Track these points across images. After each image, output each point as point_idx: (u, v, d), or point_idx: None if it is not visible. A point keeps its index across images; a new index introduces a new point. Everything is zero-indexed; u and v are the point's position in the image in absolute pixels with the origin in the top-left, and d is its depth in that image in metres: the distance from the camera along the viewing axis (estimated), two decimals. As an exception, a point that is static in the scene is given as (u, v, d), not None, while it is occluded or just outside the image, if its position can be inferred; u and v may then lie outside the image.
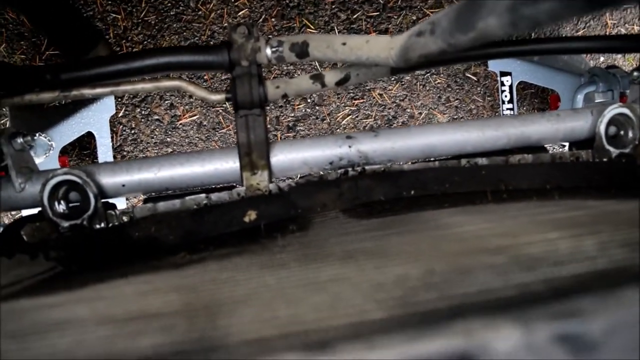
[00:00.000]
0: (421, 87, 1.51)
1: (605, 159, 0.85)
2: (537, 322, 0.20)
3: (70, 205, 0.77)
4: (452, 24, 0.43)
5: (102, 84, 0.78)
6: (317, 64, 1.41)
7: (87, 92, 0.76)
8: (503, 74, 1.42)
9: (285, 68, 1.45)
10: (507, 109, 1.42)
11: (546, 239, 0.38)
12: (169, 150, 1.46)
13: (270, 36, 0.78)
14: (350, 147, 0.81)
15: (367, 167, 0.79)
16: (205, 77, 1.44)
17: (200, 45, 0.93)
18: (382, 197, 0.73)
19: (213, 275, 0.41)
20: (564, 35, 1.54)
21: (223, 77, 1.44)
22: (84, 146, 1.42)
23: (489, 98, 1.56)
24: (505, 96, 1.43)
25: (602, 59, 1.55)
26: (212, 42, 1.42)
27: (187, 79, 0.80)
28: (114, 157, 1.40)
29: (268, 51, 0.77)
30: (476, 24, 0.38)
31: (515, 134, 0.86)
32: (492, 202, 0.62)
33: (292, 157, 0.80)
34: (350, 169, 0.80)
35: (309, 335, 0.21)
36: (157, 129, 1.45)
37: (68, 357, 0.24)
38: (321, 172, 0.80)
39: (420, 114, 1.51)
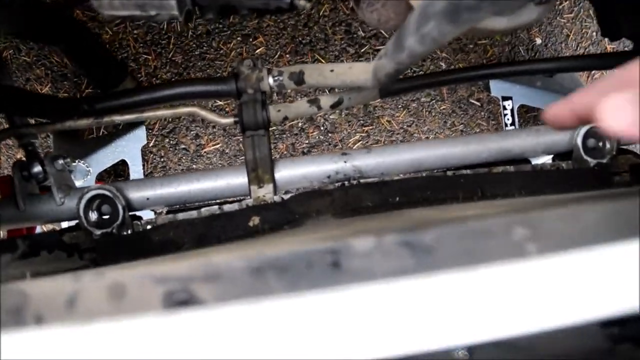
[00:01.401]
0: (427, 113, 1.61)
1: (579, 168, 0.92)
2: (387, 233, 0.30)
3: (102, 216, 0.89)
4: (393, 46, 0.54)
5: (129, 112, 0.91)
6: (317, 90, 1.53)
7: (117, 118, 0.90)
8: (504, 98, 1.51)
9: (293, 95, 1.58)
10: (510, 131, 1.51)
11: (477, 214, 0.47)
12: (194, 176, 1.60)
13: (271, 67, 0.90)
14: (345, 162, 0.91)
15: (361, 180, 0.90)
16: (226, 110, 1.58)
17: (212, 76, 1.06)
18: (370, 203, 0.83)
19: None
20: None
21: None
22: (118, 173, 1.57)
23: (492, 122, 1.65)
24: (508, 119, 1.52)
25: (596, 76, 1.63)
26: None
27: (202, 106, 0.93)
28: (145, 183, 1.54)
29: (270, 80, 0.89)
30: (404, 45, 0.49)
31: (496, 148, 0.95)
32: (463, 202, 0.71)
33: (293, 172, 0.91)
34: (346, 182, 0.90)
35: (231, 248, 0.31)
36: (184, 157, 1.58)
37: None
38: (320, 185, 0.91)
39: (427, 138, 1.61)
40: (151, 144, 1.57)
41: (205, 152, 1.57)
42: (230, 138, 1.58)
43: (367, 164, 0.92)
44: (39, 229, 1.21)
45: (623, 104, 0.39)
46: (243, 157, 1.59)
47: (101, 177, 1.38)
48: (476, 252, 0.29)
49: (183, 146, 1.57)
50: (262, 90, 0.90)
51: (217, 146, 1.57)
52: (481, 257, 0.29)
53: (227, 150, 1.57)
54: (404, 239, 0.29)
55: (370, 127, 1.58)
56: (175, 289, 0.26)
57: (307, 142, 1.56)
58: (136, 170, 1.44)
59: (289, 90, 1.52)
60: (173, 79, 1.54)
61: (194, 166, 1.58)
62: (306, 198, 0.85)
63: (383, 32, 1.55)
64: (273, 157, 0.91)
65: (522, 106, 1.51)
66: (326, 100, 0.92)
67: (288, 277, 0.27)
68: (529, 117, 1.66)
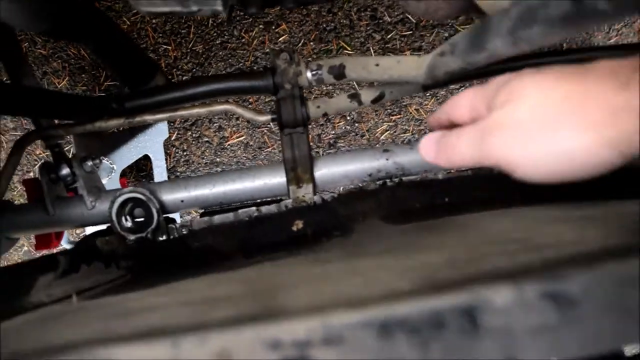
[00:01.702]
0: (456, 100, 1.55)
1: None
2: (527, 283, 0.26)
3: (136, 220, 0.86)
4: (468, 45, 0.49)
5: (161, 111, 0.87)
6: (354, 83, 1.48)
7: (149, 118, 0.85)
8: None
9: (324, 88, 1.52)
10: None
11: (555, 231, 0.43)
12: (219, 169, 1.55)
13: (309, 59, 0.85)
14: (387, 159, 0.86)
15: (404, 178, 0.85)
16: (250, 100, 1.53)
17: (247, 71, 1.02)
18: (418, 204, 0.78)
19: (268, 271, 0.47)
20: (596, 45, 1.57)
21: (266, 100, 1.53)
22: (141, 168, 1.53)
23: (524, 108, 1.59)
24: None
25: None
26: (255, 67, 1.51)
27: (235, 102, 0.88)
28: (168, 177, 1.50)
29: (309, 74, 0.84)
30: (486, 45, 0.44)
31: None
32: (520, 204, 0.67)
33: (334, 171, 0.87)
34: (388, 180, 0.86)
35: (351, 300, 0.27)
36: (207, 150, 1.54)
37: (161, 324, 0.31)
38: (361, 184, 0.86)
39: (457, 126, 1.56)
40: (173, 138, 1.53)
41: (229, 144, 1.53)
42: (254, 130, 1.54)
43: (410, 161, 0.87)
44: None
45: (430, 143, 0.60)
46: (267, 150, 1.56)
47: (124, 173, 1.34)
48: (623, 306, 0.25)
49: (206, 139, 1.53)
50: (299, 86, 0.86)
51: (241, 138, 1.53)
52: (630, 312, 0.25)
53: (251, 143, 1.53)
54: (547, 289, 0.25)
55: (398, 116, 1.53)
56: (292, 356, 0.23)
57: (333, 132, 1.52)
58: (159, 165, 1.40)
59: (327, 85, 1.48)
60: (195, 74, 1.49)
61: (218, 159, 1.54)
62: (350, 200, 0.81)
63: (410, 17, 1.49)
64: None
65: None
66: (367, 95, 0.87)
67: (419, 340, 0.23)
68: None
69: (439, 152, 0.57)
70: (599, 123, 0.42)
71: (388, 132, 1.54)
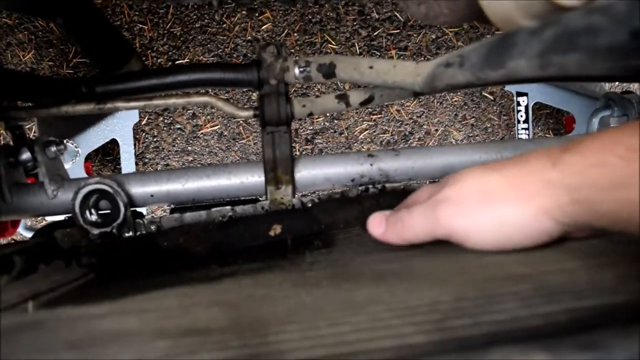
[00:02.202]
0: (438, 104, 1.53)
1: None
2: (566, 352, 0.22)
3: (100, 213, 0.80)
4: (482, 60, 0.46)
5: (135, 98, 0.81)
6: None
7: (121, 105, 0.79)
8: (519, 94, 1.44)
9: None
10: (522, 128, 1.44)
11: (562, 269, 0.40)
12: (190, 159, 1.49)
13: (297, 56, 0.81)
14: (371, 165, 0.83)
15: (387, 185, 0.82)
16: (227, 90, 1.47)
17: (231, 63, 0.96)
18: (403, 215, 0.75)
19: (249, 291, 0.43)
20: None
21: (245, 91, 1.47)
22: (107, 152, 1.46)
23: (504, 117, 1.58)
24: (521, 116, 1.45)
25: (616, 83, 1.57)
26: (235, 55, 1.45)
27: (218, 96, 0.83)
28: (136, 164, 1.43)
29: (296, 71, 0.79)
30: (506, 63, 0.41)
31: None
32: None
33: (315, 173, 0.83)
34: (370, 186, 0.82)
35: (357, 357, 0.23)
36: (179, 138, 1.48)
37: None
38: (342, 189, 0.83)
39: (437, 130, 1.53)
40: (144, 123, 1.46)
41: (202, 133, 1.47)
42: (230, 120, 1.48)
43: (396, 168, 0.84)
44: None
45: (378, 219, 0.62)
46: (242, 141, 1.51)
47: (88, 157, 1.27)
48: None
49: (178, 126, 1.47)
50: (286, 82, 0.81)
51: (215, 128, 1.47)
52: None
53: (225, 133, 1.47)
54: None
55: (379, 116, 1.50)
56: None
57: (311, 128, 1.47)
58: (127, 151, 1.34)
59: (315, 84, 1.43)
60: (171, 57, 1.43)
61: (190, 148, 1.48)
62: (332, 206, 0.77)
63: (399, 15, 1.46)
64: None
65: (535, 103, 1.45)
66: (356, 97, 0.83)
67: None
68: (540, 114, 1.60)
69: (388, 227, 0.60)
70: (536, 195, 0.47)
71: (367, 131, 1.50)
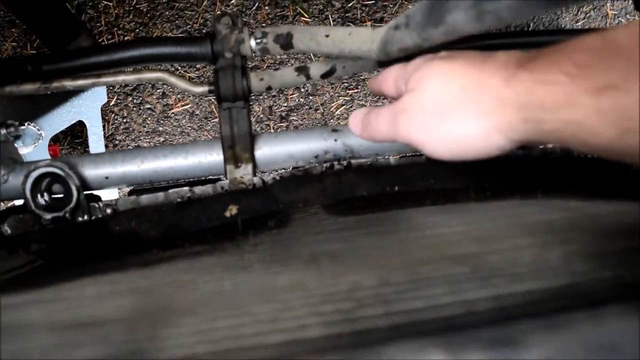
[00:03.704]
0: (416, 77, 1.49)
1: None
2: (467, 352, 0.20)
3: (54, 197, 0.77)
4: (425, 18, 0.42)
5: (83, 76, 0.77)
6: (312, 55, 1.40)
7: (69, 83, 0.75)
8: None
9: (278, 58, 1.43)
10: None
11: (514, 246, 0.37)
12: (161, 139, 1.45)
13: (263, 25, 0.77)
14: (335, 140, 0.79)
15: (353, 161, 0.79)
16: (198, 67, 1.43)
17: (183, 37, 0.92)
18: (365, 192, 0.72)
19: (175, 277, 0.40)
20: (562, 27, 1.52)
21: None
22: (76, 135, 1.41)
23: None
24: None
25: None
26: (204, 30, 1.40)
27: (172, 70, 0.79)
28: (106, 146, 1.39)
29: (252, 42, 0.75)
30: (445, 18, 0.37)
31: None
32: (474, 200, 0.61)
33: (277, 150, 0.80)
34: (336, 163, 0.79)
35: (237, 355, 0.20)
36: (149, 118, 1.43)
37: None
38: (306, 166, 0.79)
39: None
40: (112, 103, 1.42)
41: (173, 113, 1.42)
42: (202, 98, 1.44)
43: (361, 143, 0.81)
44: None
45: (357, 119, 0.68)
46: (214, 120, 1.46)
47: (57, 139, 1.23)
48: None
49: (148, 106, 1.42)
50: (242, 55, 0.77)
51: (187, 107, 1.42)
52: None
53: (197, 112, 1.43)
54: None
55: (355, 91, 1.46)
56: None
57: (285, 105, 1.43)
58: (95, 132, 1.29)
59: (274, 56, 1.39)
60: (138, 34, 1.38)
61: (160, 128, 1.44)
62: (293, 184, 0.74)
63: (373, -15, 1.41)
64: (252, 130, 0.79)
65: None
66: (316, 69, 0.79)
67: None
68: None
69: (363, 128, 0.66)
70: (490, 112, 0.48)
71: (344, 106, 1.46)
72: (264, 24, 1.41)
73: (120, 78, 0.76)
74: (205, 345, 0.23)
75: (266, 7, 1.40)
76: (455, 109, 0.50)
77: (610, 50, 0.38)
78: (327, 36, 0.70)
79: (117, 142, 1.44)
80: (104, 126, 1.33)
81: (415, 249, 0.41)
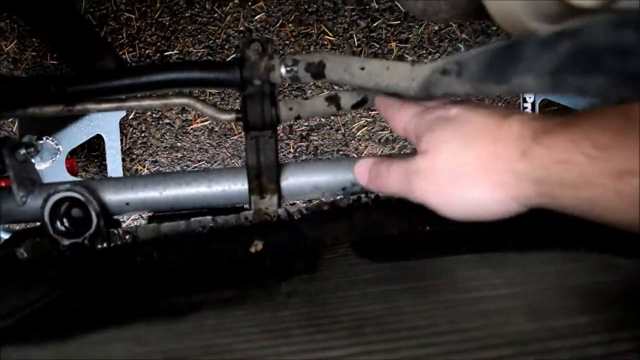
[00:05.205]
0: (440, 99, 1.46)
1: None
2: None
3: (72, 221, 0.74)
4: (483, 71, 0.39)
5: (107, 100, 0.75)
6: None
7: (92, 107, 0.73)
8: (525, 89, 1.37)
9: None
10: (528, 126, 1.37)
11: (573, 324, 0.34)
12: (179, 155, 1.43)
13: (287, 54, 0.74)
14: (364, 172, 0.77)
15: (380, 195, 0.76)
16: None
17: (212, 61, 0.90)
18: (395, 231, 0.69)
19: (208, 339, 0.38)
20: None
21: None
22: (93, 148, 1.40)
23: (509, 113, 1.51)
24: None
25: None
26: (227, 47, 1.38)
27: (196, 96, 0.77)
28: (123, 159, 1.37)
29: (282, 70, 0.73)
30: (511, 79, 0.34)
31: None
32: (512, 249, 0.58)
33: (303, 181, 0.77)
34: (363, 195, 0.76)
35: None
36: (168, 133, 1.42)
37: None
38: (332, 198, 0.77)
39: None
40: (131, 117, 1.40)
41: (192, 129, 1.40)
42: (221, 114, 1.42)
43: (390, 176, 0.78)
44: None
45: (363, 168, 0.68)
46: (233, 137, 1.44)
47: (73, 152, 1.21)
48: None
49: (167, 121, 1.40)
50: (271, 82, 0.75)
51: (206, 123, 1.40)
52: None
53: (216, 129, 1.41)
54: None
55: (377, 112, 1.43)
56: None
57: (306, 124, 1.41)
58: (113, 147, 1.28)
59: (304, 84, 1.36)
60: (159, 48, 1.36)
61: (179, 144, 1.42)
62: (320, 219, 0.71)
63: (399, 5, 1.38)
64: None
65: (542, 100, 1.38)
66: (347, 99, 0.77)
67: None
68: (548, 111, 1.53)
69: (370, 179, 0.66)
70: (506, 183, 0.49)
71: (365, 127, 1.44)
72: (286, 42, 1.39)
73: (146, 103, 0.74)
74: None
75: (290, 25, 1.38)
76: (470, 178, 0.51)
77: (632, 131, 0.38)
78: (362, 68, 0.67)
79: (134, 156, 1.42)
80: (121, 140, 1.31)
81: (465, 318, 0.38)
